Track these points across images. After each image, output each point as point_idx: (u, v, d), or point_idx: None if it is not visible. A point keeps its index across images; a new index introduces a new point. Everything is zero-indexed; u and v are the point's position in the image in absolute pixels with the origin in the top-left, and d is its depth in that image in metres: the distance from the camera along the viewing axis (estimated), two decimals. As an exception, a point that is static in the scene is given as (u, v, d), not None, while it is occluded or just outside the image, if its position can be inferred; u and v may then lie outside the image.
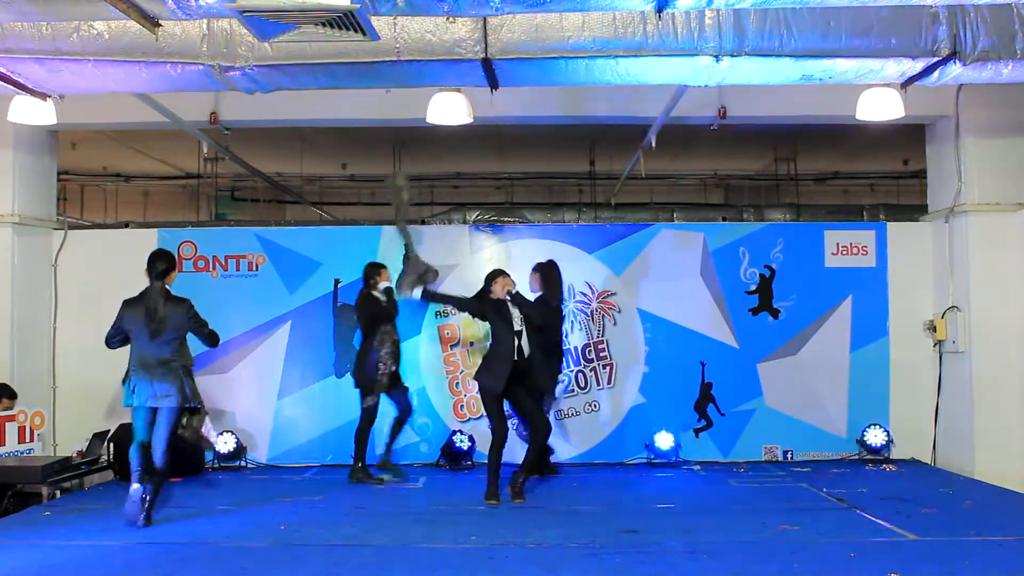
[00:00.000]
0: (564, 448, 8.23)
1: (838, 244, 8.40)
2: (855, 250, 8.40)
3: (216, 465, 8.10)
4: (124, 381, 5.88)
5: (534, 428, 6.57)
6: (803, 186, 12.52)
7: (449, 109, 6.86)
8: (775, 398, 8.28)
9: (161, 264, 5.95)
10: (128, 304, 5.90)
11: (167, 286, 5.93)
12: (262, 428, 8.24)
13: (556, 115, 8.04)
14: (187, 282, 8.23)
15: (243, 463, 8.15)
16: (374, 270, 7.45)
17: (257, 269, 8.36)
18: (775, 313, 8.37)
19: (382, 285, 7.36)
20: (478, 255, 8.38)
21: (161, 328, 5.77)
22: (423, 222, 9.03)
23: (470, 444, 7.97)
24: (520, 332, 6.49)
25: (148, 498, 5.69)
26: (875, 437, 8.11)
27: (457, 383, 8.27)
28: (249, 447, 8.21)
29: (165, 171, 12.48)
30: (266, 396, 8.26)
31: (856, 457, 8.19)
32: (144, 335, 5.78)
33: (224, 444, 8.02)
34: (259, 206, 13.31)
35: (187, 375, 5.83)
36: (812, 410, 8.28)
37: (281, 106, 7.48)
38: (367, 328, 7.32)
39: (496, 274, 6.73)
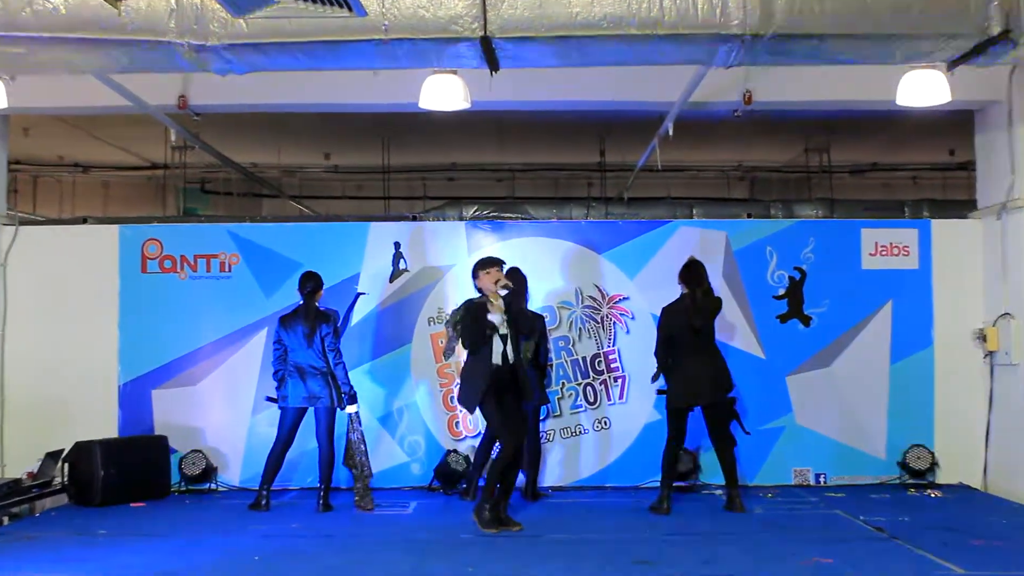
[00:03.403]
0: (571, 471, 8.26)
1: (876, 244, 8.41)
2: (896, 250, 8.40)
3: (183, 488, 8.10)
4: (278, 387, 7.38)
5: (500, 451, 6.47)
6: (837, 179, 12.54)
7: (444, 93, 6.86)
8: (806, 415, 8.28)
9: (309, 283, 7.35)
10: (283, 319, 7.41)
11: (315, 303, 7.35)
12: (234, 447, 8.23)
13: (563, 100, 8.04)
14: (152, 285, 8.32)
15: (213, 486, 8.15)
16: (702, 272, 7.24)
17: (230, 270, 8.37)
18: (806, 320, 8.37)
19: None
20: (476, 255, 8.35)
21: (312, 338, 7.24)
22: (415, 218, 9.04)
23: (466, 465, 7.96)
24: (506, 336, 6.46)
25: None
26: (918, 459, 8.10)
27: (452, 397, 8.26)
28: (220, 468, 8.21)
29: (128, 161, 12.50)
30: (239, 412, 8.26)
31: (897, 481, 8.18)
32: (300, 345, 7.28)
33: (192, 465, 8.04)
34: (232, 200, 13.33)
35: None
36: (848, 429, 8.27)
37: (257, 89, 7.48)
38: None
39: (489, 263, 6.61)
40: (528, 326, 7.13)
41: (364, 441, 7.44)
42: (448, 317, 8.18)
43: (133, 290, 8.35)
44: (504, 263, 6.70)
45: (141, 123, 9.10)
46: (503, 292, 6.50)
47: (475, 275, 6.64)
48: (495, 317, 6.42)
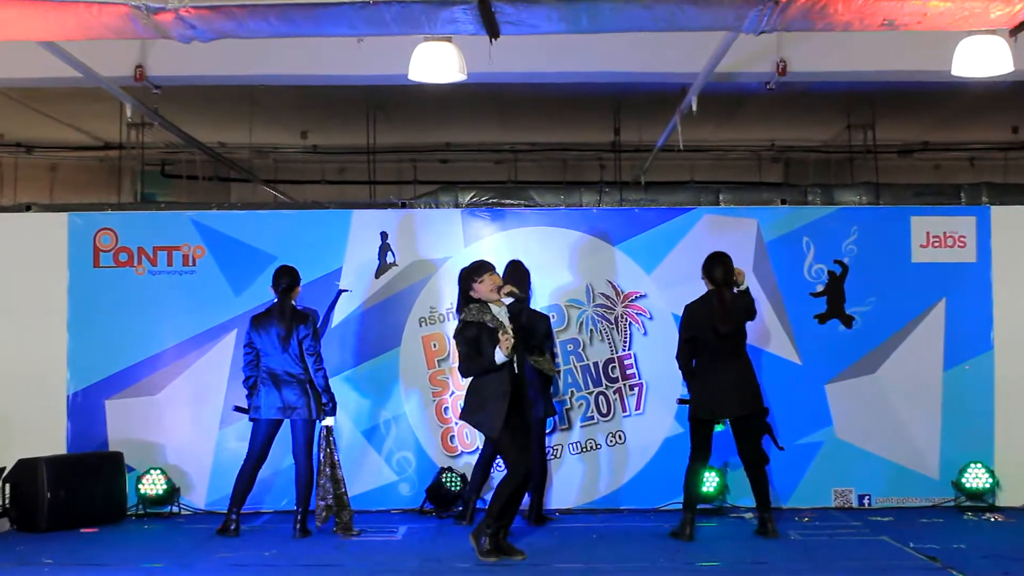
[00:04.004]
0: (581, 491, 8.29)
1: (928, 234, 8.42)
2: (950, 241, 8.41)
3: (141, 511, 8.11)
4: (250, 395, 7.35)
5: (510, 471, 6.42)
6: (884, 160, 12.51)
7: (437, 63, 6.85)
8: (848, 429, 8.30)
9: (284, 279, 7.33)
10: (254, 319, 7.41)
11: (291, 301, 7.35)
12: (200, 465, 8.25)
13: (572, 71, 8.04)
14: (106, 281, 8.33)
15: (175, 508, 8.17)
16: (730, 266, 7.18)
17: (194, 264, 8.39)
18: (848, 321, 8.38)
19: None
20: (473, 247, 8.39)
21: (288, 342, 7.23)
22: (404, 205, 9.04)
23: (462, 485, 7.97)
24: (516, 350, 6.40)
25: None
26: (976, 479, 8.11)
27: (446, 408, 8.27)
28: (183, 489, 8.23)
29: (78, 140, 12.51)
30: (205, 425, 8.29)
31: (952, 504, 8.20)
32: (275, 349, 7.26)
33: (152, 485, 8.04)
34: (197, 185, 13.32)
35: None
36: (895, 444, 8.28)
37: (225, 59, 7.48)
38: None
39: (482, 268, 6.49)
40: (531, 325, 7.11)
41: (335, 464, 7.34)
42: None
43: (84, 287, 8.37)
44: (494, 267, 6.56)
45: (93, 97, 9.10)
46: (508, 301, 6.43)
47: (467, 285, 6.45)
48: (500, 356, 6.19)
